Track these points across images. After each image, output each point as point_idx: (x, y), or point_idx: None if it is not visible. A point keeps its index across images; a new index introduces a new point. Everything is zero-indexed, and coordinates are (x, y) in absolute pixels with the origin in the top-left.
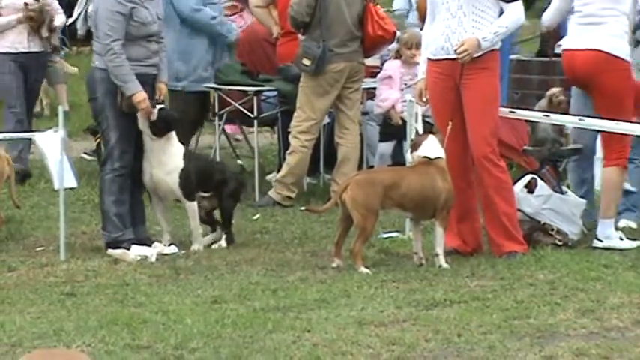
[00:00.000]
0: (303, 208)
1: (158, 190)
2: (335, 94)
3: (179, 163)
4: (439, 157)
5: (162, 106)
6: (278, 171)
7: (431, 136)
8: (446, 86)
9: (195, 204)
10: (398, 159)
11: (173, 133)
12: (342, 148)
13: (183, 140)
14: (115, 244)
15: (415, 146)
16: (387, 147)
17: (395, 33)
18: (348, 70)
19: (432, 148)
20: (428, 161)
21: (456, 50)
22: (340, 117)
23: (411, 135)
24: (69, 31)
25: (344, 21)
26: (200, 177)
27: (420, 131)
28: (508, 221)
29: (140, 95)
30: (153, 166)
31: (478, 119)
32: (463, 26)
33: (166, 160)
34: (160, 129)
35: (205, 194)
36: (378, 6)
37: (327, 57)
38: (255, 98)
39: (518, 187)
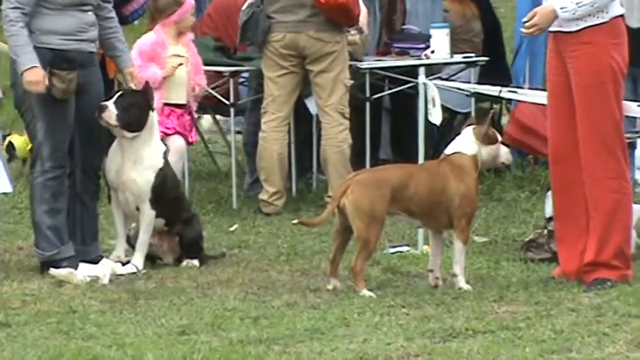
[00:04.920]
0: (295, 221)
1: (124, 190)
2: (286, 71)
3: (158, 162)
4: (457, 153)
5: (120, 92)
6: None
7: (466, 129)
8: (557, 66)
9: (154, 214)
10: None
11: (155, 123)
12: (322, 144)
13: None
14: (51, 264)
15: None
16: None
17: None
18: (295, 45)
19: (456, 142)
20: (444, 157)
21: (524, 23)
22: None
23: (422, 124)
24: None
25: None
26: (170, 188)
27: (438, 119)
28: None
29: (32, 74)
30: (125, 162)
31: (583, 110)
32: None
33: (146, 156)
34: (130, 122)
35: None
36: None
37: (262, 25)
38: (231, 81)
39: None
